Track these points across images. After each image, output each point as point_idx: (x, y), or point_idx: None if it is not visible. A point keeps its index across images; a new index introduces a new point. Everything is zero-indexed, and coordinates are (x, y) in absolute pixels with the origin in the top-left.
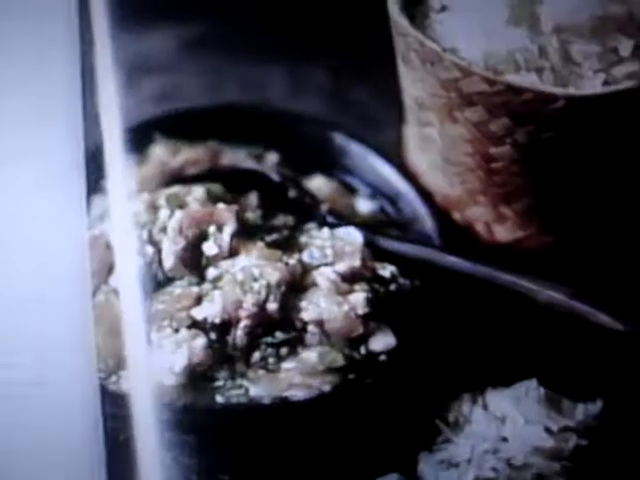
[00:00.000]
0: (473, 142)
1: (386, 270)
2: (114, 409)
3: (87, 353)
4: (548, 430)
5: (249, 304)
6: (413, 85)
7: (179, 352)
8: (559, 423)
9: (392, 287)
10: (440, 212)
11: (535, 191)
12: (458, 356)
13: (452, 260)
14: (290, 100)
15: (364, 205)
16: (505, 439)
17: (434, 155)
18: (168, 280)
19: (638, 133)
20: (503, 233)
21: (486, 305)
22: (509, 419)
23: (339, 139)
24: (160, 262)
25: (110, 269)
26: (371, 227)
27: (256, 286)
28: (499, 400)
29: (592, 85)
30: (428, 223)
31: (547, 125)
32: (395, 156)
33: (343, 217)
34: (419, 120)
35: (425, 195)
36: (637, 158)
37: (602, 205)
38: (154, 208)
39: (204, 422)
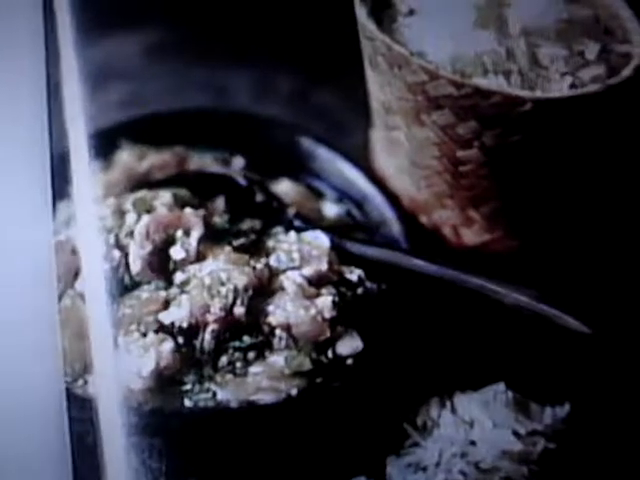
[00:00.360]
0: (440, 145)
1: (353, 274)
2: (80, 413)
3: (53, 357)
4: (516, 434)
5: (216, 308)
6: (380, 89)
7: (147, 356)
8: (527, 427)
9: (359, 291)
10: (407, 215)
11: (502, 194)
12: (426, 360)
13: (419, 263)
14: (256, 104)
15: (331, 209)
16: (473, 443)
17: (401, 159)
18: (135, 284)
19: (604, 136)
20: (470, 236)
21: (453, 308)
22: (477, 423)
23: (306, 143)
24: (127, 266)
25: (76, 274)
26: (338, 231)
27: (223, 290)
28: (467, 404)
29: (559, 88)
30: (395, 227)
31: (514, 128)
32: (362, 160)
33: (310, 221)
34: (386, 124)
35: (392, 199)
36: (603, 161)
37: (568, 208)
38: (120, 213)
39: (172, 426)
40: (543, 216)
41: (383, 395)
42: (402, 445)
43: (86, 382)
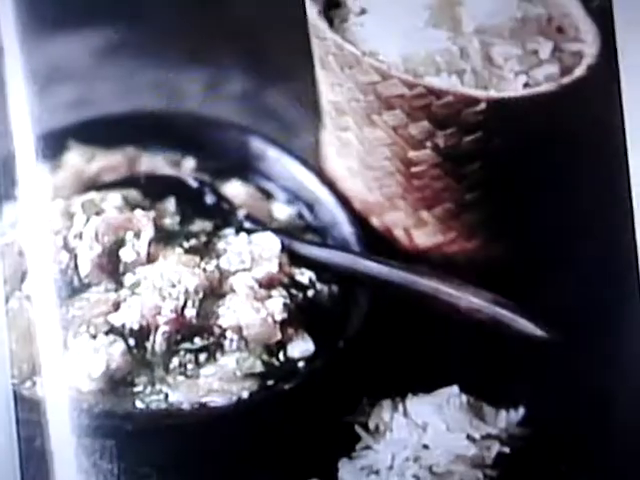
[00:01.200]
0: (392, 146)
1: (304, 276)
2: (28, 415)
3: (0, 358)
4: (470, 437)
5: (167, 310)
6: (331, 89)
7: (97, 358)
8: (481, 430)
9: (310, 293)
10: (358, 217)
11: (455, 195)
12: (378, 362)
13: (371, 265)
14: (206, 105)
15: (281, 210)
16: (426, 446)
17: (353, 160)
18: (84, 286)
19: (558, 135)
20: (423, 238)
21: (406, 311)
22: (430, 426)
23: (256, 144)
24: (76, 268)
25: (23, 276)
26: (289, 233)
27: (174, 292)
28: (420, 407)
29: (513, 87)
30: (346, 228)
31: (468, 128)
32: (313, 161)
33: (260, 223)
34: (337, 125)
35: (343, 200)
36: (557, 161)
37: (524, 209)
38: (69, 215)
39: (124, 427)
40: (497, 218)
41: (335, 398)
42: (354, 448)
43: (34, 384)
